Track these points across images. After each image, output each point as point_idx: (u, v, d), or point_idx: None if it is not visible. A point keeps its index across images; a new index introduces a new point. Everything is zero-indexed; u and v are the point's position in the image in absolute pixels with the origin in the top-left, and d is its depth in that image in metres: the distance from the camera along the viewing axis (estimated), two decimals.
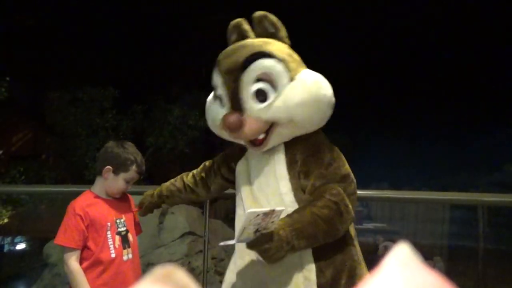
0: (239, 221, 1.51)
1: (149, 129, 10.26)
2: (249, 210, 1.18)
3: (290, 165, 1.46)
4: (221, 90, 1.48)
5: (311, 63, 1.57)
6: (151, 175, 10.25)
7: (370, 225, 5.51)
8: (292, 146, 1.48)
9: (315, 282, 1.36)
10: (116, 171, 1.81)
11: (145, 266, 3.68)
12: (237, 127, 1.37)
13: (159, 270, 0.28)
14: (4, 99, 6.90)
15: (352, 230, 1.53)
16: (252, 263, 1.48)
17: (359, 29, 20.33)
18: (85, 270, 1.73)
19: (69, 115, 9.30)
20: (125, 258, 1.83)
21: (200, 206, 4.66)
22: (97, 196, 1.85)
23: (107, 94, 9.53)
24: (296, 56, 1.51)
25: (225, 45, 1.59)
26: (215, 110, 1.54)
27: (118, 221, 1.86)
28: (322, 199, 1.34)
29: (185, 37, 14.51)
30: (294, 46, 1.58)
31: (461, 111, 22.43)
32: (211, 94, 1.62)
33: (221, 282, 1.69)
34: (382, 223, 5.72)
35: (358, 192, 1.66)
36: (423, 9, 20.50)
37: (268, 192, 1.46)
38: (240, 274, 1.53)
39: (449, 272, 4.56)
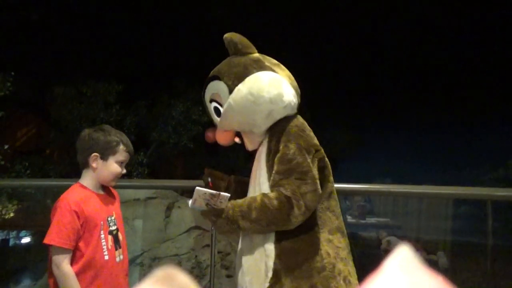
0: None
1: (152, 124, 10.29)
2: (197, 187, 1.48)
3: (268, 157, 1.58)
4: None
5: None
6: (155, 169, 10.31)
7: (373, 220, 5.52)
8: (271, 138, 1.59)
9: (272, 267, 1.48)
10: (104, 157, 1.66)
11: (152, 260, 3.72)
12: (212, 140, 1.70)
13: (160, 272, 0.27)
14: (9, 93, 6.93)
15: (325, 230, 1.55)
16: (239, 247, 1.68)
17: (365, 24, 20.23)
18: (76, 275, 1.55)
19: (73, 110, 9.34)
20: (117, 259, 1.69)
21: None
22: (89, 190, 1.68)
23: (111, 89, 9.56)
24: (247, 64, 1.64)
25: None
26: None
27: (109, 219, 1.71)
28: (275, 191, 1.47)
29: (189, 32, 14.49)
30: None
31: (466, 108, 22.32)
32: None
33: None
34: (385, 218, 5.73)
35: (362, 186, 1.76)
36: (432, 3, 20.36)
37: (255, 181, 1.62)
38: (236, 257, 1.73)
39: (452, 267, 4.57)
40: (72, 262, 1.57)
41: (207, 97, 1.73)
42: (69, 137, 9.65)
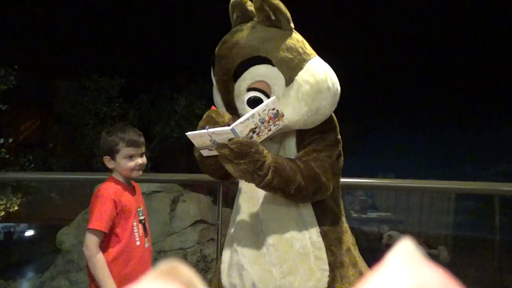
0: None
1: (155, 118, 10.30)
2: (273, 98, 1.21)
3: (299, 143, 1.46)
4: (216, 91, 1.47)
5: (318, 54, 1.51)
6: (158, 163, 10.34)
7: (374, 214, 5.56)
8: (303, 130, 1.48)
9: (326, 261, 1.39)
10: (112, 157, 1.82)
11: (157, 254, 3.75)
12: None
13: (164, 265, 0.27)
14: (13, 87, 6.94)
15: (344, 217, 1.58)
16: (257, 236, 1.43)
17: (368, 19, 20.14)
18: (114, 259, 1.73)
19: (76, 104, 9.37)
20: (146, 246, 1.88)
21: (211, 194, 4.72)
22: (121, 183, 1.86)
23: (114, 83, 9.57)
24: (298, 46, 1.40)
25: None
26: (218, 101, 1.53)
27: (139, 209, 1.89)
28: (309, 163, 1.36)
29: (192, 26, 14.47)
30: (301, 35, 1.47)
31: (470, 102, 22.23)
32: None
33: None
34: (387, 213, 5.76)
35: (366, 180, 1.70)
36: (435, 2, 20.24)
37: None
38: (242, 251, 1.45)
39: (453, 262, 4.58)
40: (110, 247, 1.75)
41: (245, 84, 1.36)
42: (72, 131, 9.70)
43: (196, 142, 1.29)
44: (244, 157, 1.20)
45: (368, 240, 5.13)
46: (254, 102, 1.36)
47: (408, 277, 0.23)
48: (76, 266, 3.81)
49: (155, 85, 10.70)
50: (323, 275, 1.37)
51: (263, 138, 1.28)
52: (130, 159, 1.82)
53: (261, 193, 1.46)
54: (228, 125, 1.28)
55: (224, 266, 1.52)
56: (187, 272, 0.27)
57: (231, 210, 1.65)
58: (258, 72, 1.35)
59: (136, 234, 1.83)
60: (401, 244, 0.26)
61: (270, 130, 1.27)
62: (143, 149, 1.87)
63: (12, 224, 7.19)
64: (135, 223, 1.83)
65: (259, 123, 1.22)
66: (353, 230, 1.62)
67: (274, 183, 1.27)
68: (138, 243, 1.82)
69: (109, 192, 1.77)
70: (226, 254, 1.53)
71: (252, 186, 1.46)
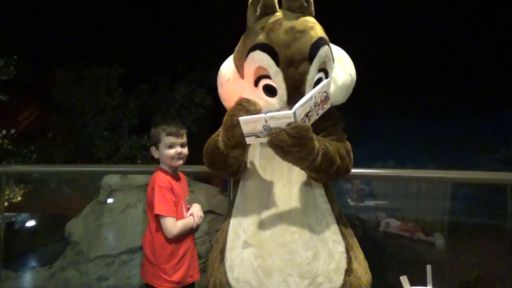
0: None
1: (155, 107, 10.28)
2: (328, 80, 1.27)
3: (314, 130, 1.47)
4: (276, 81, 1.41)
5: None
6: None
7: (371, 203, 5.61)
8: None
9: (343, 243, 1.48)
10: (157, 147, 2.01)
11: None
12: None
13: None
14: (12, 77, 6.94)
15: None
16: (273, 226, 1.45)
17: (365, 6, 19.97)
18: (167, 241, 1.90)
19: (75, 94, 9.35)
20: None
21: (218, 185, 4.75)
22: (169, 174, 2.02)
23: (113, 72, 9.52)
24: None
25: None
26: (238, 91, 1.57)
27: (186, 198, 2.07)
28: (338, 145, 1.45)
29: (190, 14, 14.36)
30: None
31: (467, 88, 22.18)
32: (228, 66, 1.63)
33: None
34: (384, 201, 5.81)
35: (365, 171, 1.83)
36: None
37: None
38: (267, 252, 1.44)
39: (449, 248, 4.65)
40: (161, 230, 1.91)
41: (317, 64, 1.39)
42: (72, 120, 9.69)
43: (246, 128, 1.23)
44: (300, 142, 1.20)
45: (365, 227, 5.20)
46: (316, 83, 1.42)
47: None
48: (86, 257, 3.86)
49: (155, 74, 10.66)
50: (342, 257, 1.44)
51: (311, 122, 1.28)
52: (170, 148, 1.98)
53: (275, 182, 1.48)
54: (259, 112, 1.31)
55: (234, 261, 1.49)
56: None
57: None
58: (325, 53, 1.41)
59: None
60: None
61: (318, 114, 1.28)
62: (184, 140, 2.02)
63: (13, 214, 7.24)
64: (184, 211, 2.00)
65: (312, 106, 1.23)
66: (350, 217, 1.71)
67: (321, 166, 1.33)
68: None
69: (164, 181, 1.93)
70: (234, 247, 1.52)
71: (263, 175, 1.50)
